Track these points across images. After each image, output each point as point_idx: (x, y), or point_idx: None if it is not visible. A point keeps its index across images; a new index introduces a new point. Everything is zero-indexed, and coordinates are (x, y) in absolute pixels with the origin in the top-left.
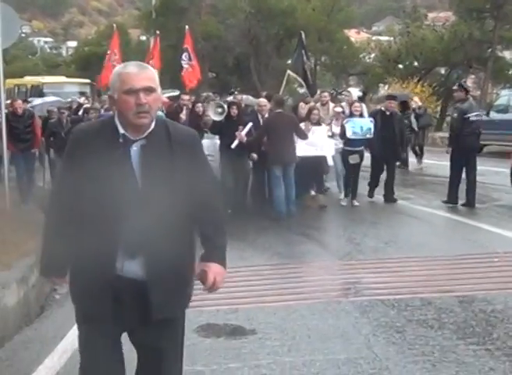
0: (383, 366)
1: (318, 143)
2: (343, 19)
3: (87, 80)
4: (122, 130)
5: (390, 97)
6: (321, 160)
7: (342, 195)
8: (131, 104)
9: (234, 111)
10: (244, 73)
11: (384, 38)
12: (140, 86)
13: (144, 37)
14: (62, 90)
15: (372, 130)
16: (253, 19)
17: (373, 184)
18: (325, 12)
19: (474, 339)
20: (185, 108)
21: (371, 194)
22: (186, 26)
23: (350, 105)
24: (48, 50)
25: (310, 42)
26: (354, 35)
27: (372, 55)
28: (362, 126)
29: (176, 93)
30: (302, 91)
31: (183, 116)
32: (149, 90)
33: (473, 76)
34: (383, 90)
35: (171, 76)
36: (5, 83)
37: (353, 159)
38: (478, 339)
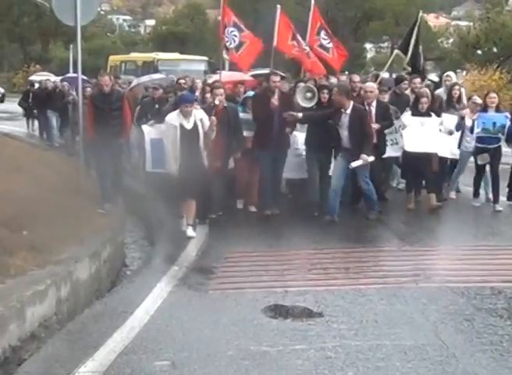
0: (450, 353)
1: (428, 137)
2: (423, 3)
3: (205, 58)
4: None
5: None
6: (429, 156)
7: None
8: None
9: (325, 96)
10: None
11: (463, 23)
12: None
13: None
14: (178, 67)
15: (507, 128)
16: (331, 2)
17: None
18: None
19: None
20: (277, 91)
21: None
22: (278, 6)
23: (450, 89)
24: (127, 28)
25: (387, 26)
26: (433, 20)
27: (450, 40)
28: (495, 121)
29: (265, 71)
30: (385, 75)
31: (275, 101)
32: None
33: None
34: (461, 76)
35: None
36: (107, 61)
37: (481, 159)
38: None
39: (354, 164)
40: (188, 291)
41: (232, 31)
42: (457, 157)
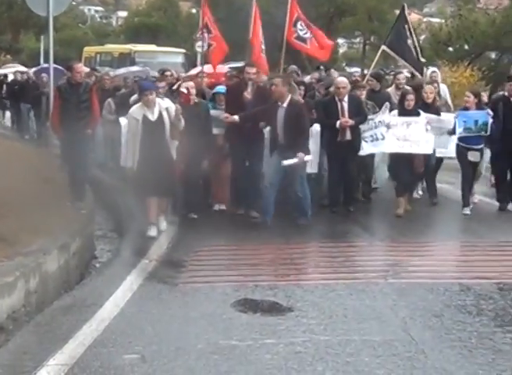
0: (419, 349)
1: (414, 138)
2: (395, 0)
3: (182, 50)
4: None
5: None
6: (414, 158)
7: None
8: None
9: (300, 92)
10: (292, 50)
11: (435, 20)
12: None
13: (194, 10)
14: (156, 59)
15: (489, 125)
16: None
17: (501, 188)
18: None
19: None
20: (250, 84)
21: (502, 205)
22: (254, 0)
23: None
24: (98, 19)
25: (360, 21)
26: None
27: (422, 37)
28: (477, 120)
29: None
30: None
31: (248, 94)
32: None
33: None
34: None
35: None
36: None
37: (473, 156)
38: None
39: (287, 162)
40: (158, 284)
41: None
42: (450, 154)
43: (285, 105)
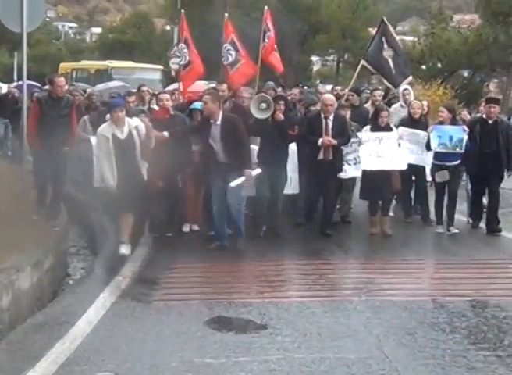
0: (393, 367)
1: (386, 154)
2: (368, 18)
3: (159, 66)
4: None
5: (491, 100)
6: (390, 175)
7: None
8: None
9: (281, 107)
10: (267, 67)
11: (408, 38)
12: None
13: (168, 27)
14: (133, 75)
15: (465, 142)
16: (278, 14)
17: (474, 211)
18: (350, 10)
19: (485, 345)
20: (227, 102)
21: (474, 223)
22: (226, 14)
23: (409, 104)
24: (72, 35)
25: (333, 39)
26: None
27: None
28: (452, 135)
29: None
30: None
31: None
32: None
33: (496, 80)
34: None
35: None
36: (57, 68)
37: (440, 176)
38: (489, 345)
39: (234, 183)
40: (132, 302)
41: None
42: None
43: (218, 122)
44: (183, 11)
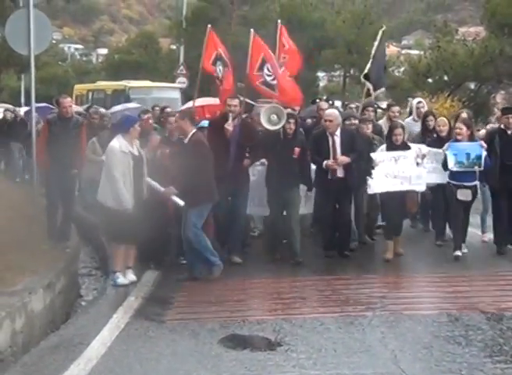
0: None
1: (403, 174)
2: (373, 33)
3: (178, 85)
4: None
5: (508, 110)
6: (405, 197)
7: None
8: None
9: (291, 127)
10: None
11: (414, 52)
12: None
13: (174, 47)
14: (151, 95)
15: (483, 159)
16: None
17: (498, 231)
18: (355, 25)
19: (502, 357)
20: (231, 116)
21: (501, 249)
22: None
23: (423, 119)
24: (78, 57)
25: (339, 54)
26: None
27: (402, 69)
28: (469, 152)
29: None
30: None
31: (229, 126)
32: None
33: (503, 92)
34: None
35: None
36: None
37: (463, 195)
38: (505, 357)
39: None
40: (145, 322)
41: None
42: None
43: (186, 140)
44: (209, 26)
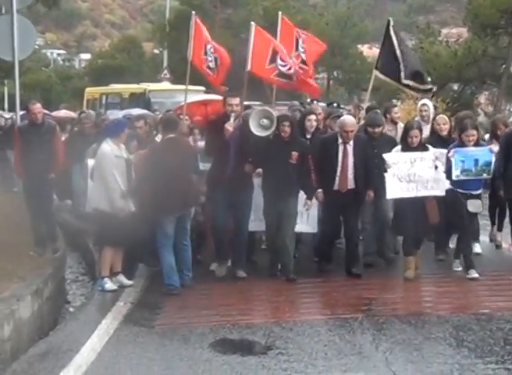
0: None
1: (419, 178)
2: (356, 35)
3: (201, 87)
4: None
5: None
6: (424, 205)
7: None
8: None
9: (286, 129)
10: (257, 86)
11: None
12: None
13: (157, 51)
14: (173, 99)
15: (492, 165)
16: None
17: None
18: (338, 27)
19: (493, 358)
20: (233, 116)
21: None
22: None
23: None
24: (61, 62)
25: (323, 57)
26: (367, 50)
27: None
28: (477, 158)
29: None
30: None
31: (230, 127)
32: None
33: (486, 93)
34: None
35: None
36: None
37: (473, 206)
38: (496, 358)
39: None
40: (134, 327)
41: (210, 48)
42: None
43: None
44: (193, 12)
